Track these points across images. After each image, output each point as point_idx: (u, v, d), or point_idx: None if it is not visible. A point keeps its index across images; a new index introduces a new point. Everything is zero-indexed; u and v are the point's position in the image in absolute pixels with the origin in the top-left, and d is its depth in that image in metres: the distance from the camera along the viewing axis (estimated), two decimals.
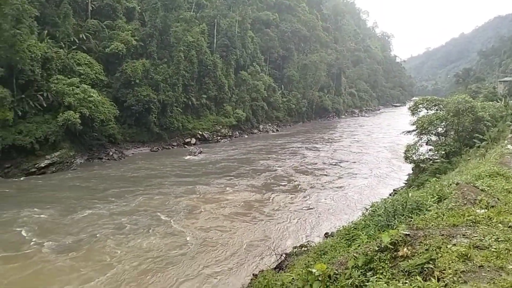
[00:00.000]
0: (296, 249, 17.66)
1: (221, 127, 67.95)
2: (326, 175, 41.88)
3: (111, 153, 48.91)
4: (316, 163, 48.14)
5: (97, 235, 23.24)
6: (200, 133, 63.96)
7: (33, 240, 22.29)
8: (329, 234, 21.02)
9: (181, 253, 21.14)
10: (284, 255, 16.78)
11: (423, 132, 28.42)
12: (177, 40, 60.52)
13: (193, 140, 62.50)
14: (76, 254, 20.65)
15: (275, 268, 14.95)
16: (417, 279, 4.48)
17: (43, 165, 39.12)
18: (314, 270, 5.40)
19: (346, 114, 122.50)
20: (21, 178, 36.82)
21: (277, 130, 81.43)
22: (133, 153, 52.68)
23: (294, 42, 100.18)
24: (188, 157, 51.54)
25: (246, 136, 71.77)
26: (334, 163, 48.45)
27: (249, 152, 55.74)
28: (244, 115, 72.37)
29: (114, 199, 30.78)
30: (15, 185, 34.63)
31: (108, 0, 56.96)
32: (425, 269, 4.77)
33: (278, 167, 45.13)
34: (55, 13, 48.43)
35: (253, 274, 16.46)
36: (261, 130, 78.32)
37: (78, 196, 31.53)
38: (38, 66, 41.16)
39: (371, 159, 51.69)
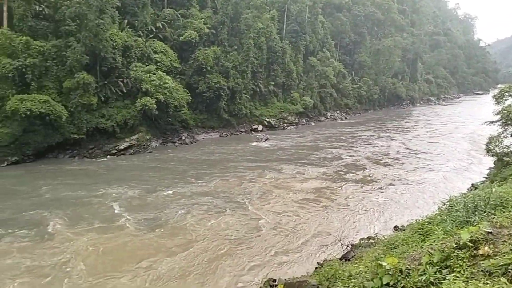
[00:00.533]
0: (363, 241, 17.24)
1: (287, 114, 67.66)
2: (399, 165, 40.09)
3: (183, 138, 50.98)
4: (388, 153, 46.22)
5: (180, 213, 24.94)
6: (267, 120, 64.22)
7: (124, 214, 24.48)
8: (400, 227, 20.24)
9: (255, 235, 21.96)
10: (350, 246, 16.46)
11: (509, 123, 25.89)
12: (247, 27, 60.88)
13: (260, 127, 63.01)
14: (161, 230, 22.33)
15: (340, 259, 14.71)
16: (501, 281, 4.12)
17: (122, 147, 41.89)
18: (384, 264, 5.23)
19: (421, 102, 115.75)
20: (103, 159, 39.77)
21: (345, 118, 79.25)
22: (203, 138, 54.46)
23: (367, 26, 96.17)
24: (255, 143, 52.14)
25: (313, 124, 70.79)
26: (408, 154, 46.19)
27: (317, 139, 54.97)
28: (311, 102, 71.30)
29: (193, 180, 32.67)
30: (103, 165, 37.73)
31: None
32: (510, 270, 4.35)
33: (348, 155, 44.06)
34: (134, 3, 50.95)
35: (318, 263, 16.34)
36: (328, 117, 76.75)
37: (159, 176, 33.88)
38: (119, 54, 43.78)
39: (448, 150, 48.49)
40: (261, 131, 61.34)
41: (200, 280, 17.12)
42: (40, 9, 40.46)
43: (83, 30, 39.75)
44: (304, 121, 70.31)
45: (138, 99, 43.14)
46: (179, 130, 51.61)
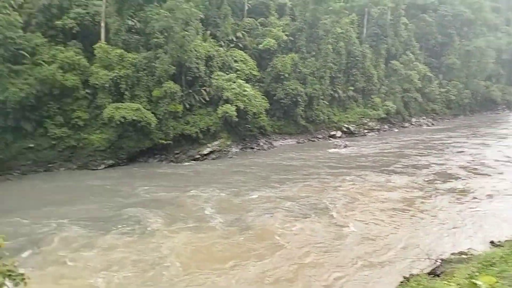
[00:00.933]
0: (454, 256, 15.95)
1: (368, 120, 65.28)
2: (497, 175, 36.46)
3: (261, 144, 51.61)
4: (484, 162, 42.25)
5: (266, 216, 25.31)
6: (346, 126, 62.56)
7: (214, 216, 25.46)
8: (497, 243, 18.34)
9: (340, 243, 21.43)
10: (440, 261, 15.27)
11: None
12: (326, 33, 60.16)
13: (339, 133, 61.55)
14: (249, 232, 22.75)
15: (429, 274, 13.66)
16: None
17: (205, 152, 43.55)
18: (479, 283, 4.50)
19: None
20: (188, 163, 41.62)
21: (432, 124, 74.35)
22: (281, 144, 54.60)
23: (455, 26, 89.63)
24: (333, 149, 51.02)
25: (396, 130, 67.46)
26: (507, 162, 41.86)
27: (402, 146, 52.19)
28: (394, 108, 68.08)
29: (276, 185, 32.93)
30: (189, 168, 39.63)
31: None
32: None
33: (438, 164, 41.15)
34: (216, 14, 53.07)
35: (404, 277, 15.34)
36: (413, 123, 72.63)
37: (243, 180, 34.82)
38: (202, 64, 45.73)
39: None
40: (339, 137, 59.91)
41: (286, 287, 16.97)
42: (133, 23, 43.87)
43: (170, 42, 42.20)
44: (386, 127, 67.35)
45: (220, 107, 44.59)
46: (257, 136, 52.32)
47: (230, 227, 23.44)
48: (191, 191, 30.74)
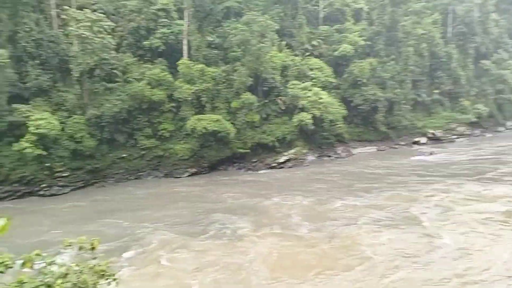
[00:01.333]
0: None
1: (456, 124, 60.86)
2: None
3: (339, 151, 50.72)
4: None
5: (352, 226, 24.65)
6: (431, 131, 58.96)
7: (300, 223, 25.46)
8: None
9: (432, 256, 19.97)
10: None
11: None
12: (406, 35, 57.70)
13: (423, 139, 58.21)
14: (334, 241, 22.33)
15: None
16: None
17: (281, 161, 44.02)
18: None
19: None
20: (265, 171, 42.38)
21: None
22: (360, 152, 53.12)
23: None
24: (418, 157, 48.35)
25: (489, 135, 62.04)
26: None
27: (499, 152, 47.58)
28: (486, 111, 62.77)
29: (361, 193, 32.04)
30: (268, 176, 40.40)
31: (337, 5, 59.42)
32: None
33: None
34: (291, 24, 53.74)
35: None
36: (509, 127, 66.28)
37: (326, 188, 34.53)
38: (278, 74, 46.53)
39: None
40: (424, 143, 56.71)
41: None
42: (212, 39, 46.20)
43: (247, 55, 43.66)
44: (477, 132, 62.29)
45: (295, 115, 44.87)
46: (334, 144, 51.54)
47: (316, 235, 23.15)
48: (274, 198, 31.32)
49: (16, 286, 5.11)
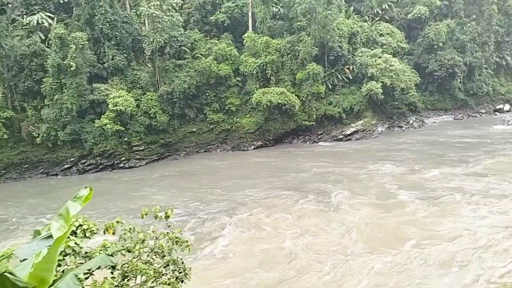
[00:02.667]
0: None
1: None
2: None
3: (411, 122, 48.47)
4: None
5: (452, 194, 23.68)
6: None
7: (396, 192, 25.06)
8: None
9: None
10: None
11: None
12: None
13: (507, 106, 53.53)
14: (435, 211, 21.53)
15: None
16: None
17: (348, 133, 43.17)
18: None
19: None
20: (330, 143, 41.94)
21: None
22: (434, 122, 50.35)
23: None
24: (498, 126, 44.80)
25: None
26: None
27: None
28: None
29: (456, 162, 31.00)
30: (345, 146, 40.21)
31: None
32: None
33: None
34: None
35: None
36: None
37: (415, 158, 33.68)
38: (345, 42, 44.86)
39: None
40: (508, 111, 52.12)
41: (459, 274, 15.42)
42: (277, 10, 45.52)
43: (312, 24, 42.47)
44: None
45: (364, 84, 43.33)
46: (406, 113, 49.29)
47: (415, 205, 22.38)
48: (361, 167, 31.12)
49: (100, 250, 5.71)
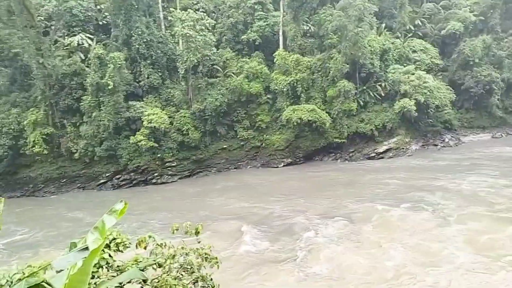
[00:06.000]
0: None
1: None
2: None
3: (446, 140, 47.07)
4: None
5: None
6: None
7: (450, 205, 24.84)
8: None
9: None
10: None
11: None
12: None
13: None
14: None
15: None
16: None
17: (381, 151, 42.38)
18: None
19: None
20: (363, 161, 41.30)
21: None
22: (471, 140, 48.70)
23: None
24: None
25: None
26: None
27: None
28: None
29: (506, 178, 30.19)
30: (369, 165, 39.94)
31: None
32: None
33: None
34: (391, 5, 50.67)
35: None
36: None
37: (443, 171, 33.69)
38: (377, 59, 44.44)
39: None
40: None
41: None
42: (307, 28, 45.90)
43: (343, 41, 42.44)
44: None
45: (397, 102, 42.62)
46: (441, 131, 47.93)
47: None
48: (443, 179, 31.13)
49: (132, 264, 5.78)
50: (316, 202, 27.95)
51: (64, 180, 36.79)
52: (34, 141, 35.27)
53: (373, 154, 42.21)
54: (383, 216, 23.80)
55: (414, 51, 49.34)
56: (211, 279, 6.53)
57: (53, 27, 40.63)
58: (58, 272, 4.20)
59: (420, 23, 52.36)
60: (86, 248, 4.06)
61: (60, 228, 26.10)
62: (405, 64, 46.29)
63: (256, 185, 35.12)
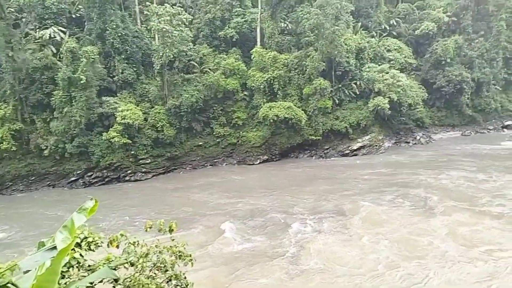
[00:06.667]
0: None
1: None
2: None
3: (418, 137, 48.27)
4: None
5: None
6: None
7: (433, 199, 25.62)
8: None
9: None
10: None
11: None
12: (498, 8, 52.18)
13: None
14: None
15: None
16: None
17: (355, 148, 43.10)
18: None
19: None
20: (337, 158, 41.91)
21: None
22: (441, 137, 50.11)
23: None
24: (507, 142, 44.51)
25: None
26: None
27: None
28: None
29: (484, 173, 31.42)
30: (364, 161, 40.54)
31: None
32: None
33: None
34: (367, 4, 51.29)
35: None
36: None
37: (475, 166, 34.34)
38: (353, 57, 45.01)
39: None
40: None
41: None
42: (285, 25, 45.95)
43: (320, 39, 42.73)
44: None
45: (371, 100, 43.36)
46: (413, 129, 49.12)
47: (457, 213, 22.81)
48: (422, 175, 31.90)
49: (104, 263, 5.72)
50: (302, 197, 28.31)
51: (33, 177, 35.73)
52: (2, 137, 34.06)
53: (347, 151, 42.89)
54: (370, 210, 24.40)
55: (389, 50, 50.20)
56: (185, 277, 6.53)
57: (24, 20, 39.25)
58: (25, 272, 4.11)
59: (395, 23, 53.26)
60: (55, 248, 3.97)
61: (41, 226, 25.37)
62: (379, 63, 47.07)
63: (237, 181, 35.21)
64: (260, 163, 41.13)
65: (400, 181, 30.78)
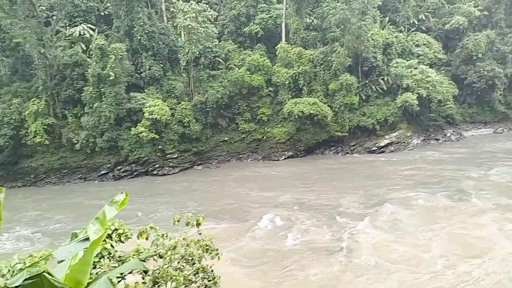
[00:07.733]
0: None
1: None
2: None
3: (448, 134, 46.95)
4: None
5: None
6: None
7: (486, 195, 25.27)
8: None
9: None
10: None
11: None
12: None
13: None
14: None
15: None
16: None
17: (382, 145, 42.32)
18: None
19: None
20: (363, 155, 41.21)
21: None
22: (472, 135, 48.60)
23: None
24: None
25: None
26: None
27: None
28: None
29: None
30: (394, 157, 39.91)
31: None
32: None
33: None
34: None
35: None
36: None
37: (463, 163, 34.10)
38: (380, 52, 44.20)
39: None
40: None
41: None
42: (310, 21, 45.57)
43: (346, 34, 42.21)
44: None
45: (399, 96, 42.46)
46: (443, 126, 47.80)
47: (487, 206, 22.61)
48: (470, 171, 31.39)
49: (134, 255, 5.87)
50: (346, 192, 28.13)
51: (65, 170, 36.84)
52: (35, 131, 35.32)
53: (374, 148, 42.16)
54: (421, 205, 24.11)
55: (417, 45, 49.04)
56: (212, 270, 6.60)
57: (54, 17, 40.49)
58: (59, 262, 4.20)
59: (423, 17, 52.00)
60: (87, 239, 4.06)
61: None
62: (408, 58, 46.00)
63: (270, 175, 35.26)
64: (285, 159, 40.95)
65: (447, 177, 30.25)
